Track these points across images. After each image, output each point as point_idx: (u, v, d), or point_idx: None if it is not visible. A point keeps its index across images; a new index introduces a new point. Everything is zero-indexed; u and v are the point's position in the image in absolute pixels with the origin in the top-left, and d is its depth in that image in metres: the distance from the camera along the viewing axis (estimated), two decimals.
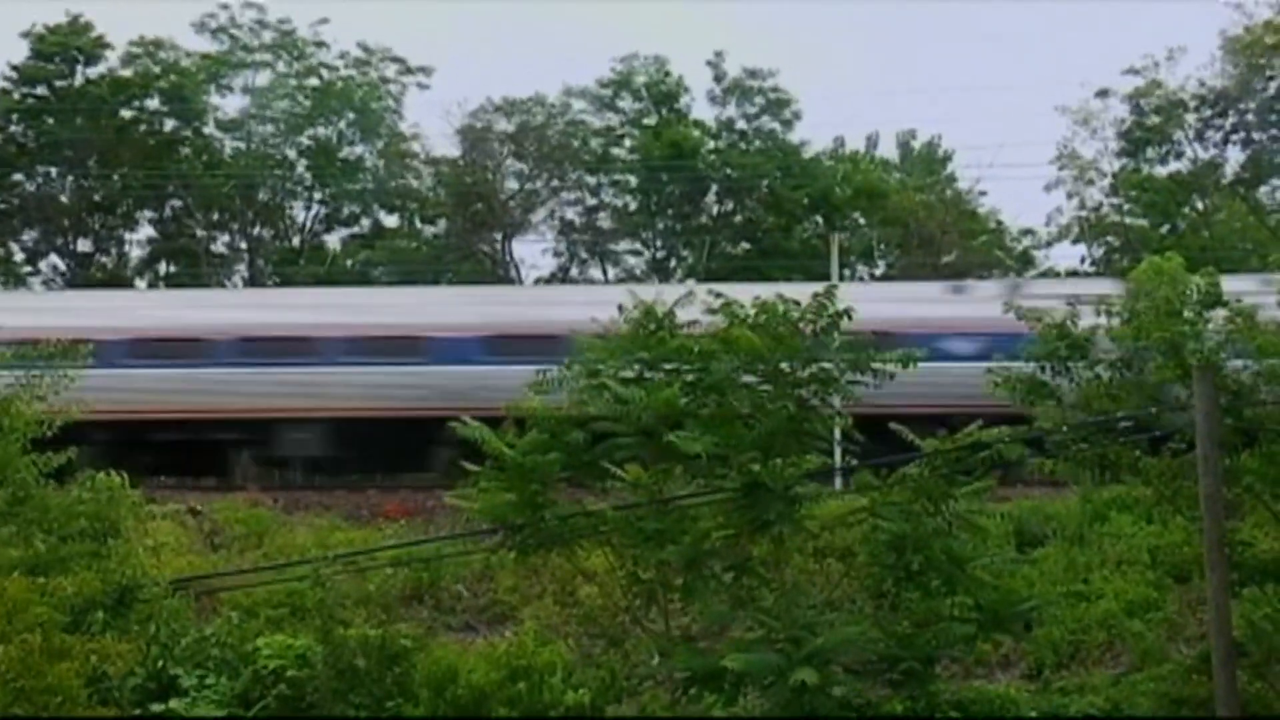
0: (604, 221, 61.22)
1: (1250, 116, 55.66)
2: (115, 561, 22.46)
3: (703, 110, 60.36)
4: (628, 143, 60.01)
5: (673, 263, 59.90)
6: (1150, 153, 57.50)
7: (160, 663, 22.00)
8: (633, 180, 59.57)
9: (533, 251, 62.23)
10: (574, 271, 60.63)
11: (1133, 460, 24.19)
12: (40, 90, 57.28)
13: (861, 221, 59.88)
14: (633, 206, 60.52)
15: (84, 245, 59.63)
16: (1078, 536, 28.50)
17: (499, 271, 59.57)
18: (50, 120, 56.95)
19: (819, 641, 21.15)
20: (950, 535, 22.20)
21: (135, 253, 60.79)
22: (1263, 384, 22.91)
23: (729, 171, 58.62)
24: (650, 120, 59.83)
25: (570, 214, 61.30)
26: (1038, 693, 23.80)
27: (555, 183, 60.83)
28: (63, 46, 57.00)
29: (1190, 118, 56.80)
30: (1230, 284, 25.13)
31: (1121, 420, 24.13)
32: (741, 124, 60.18)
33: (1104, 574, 27.18)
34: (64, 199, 58.92)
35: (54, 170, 58.52)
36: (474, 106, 59.87)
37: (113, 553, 22.52)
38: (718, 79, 59.94)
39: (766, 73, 59.63)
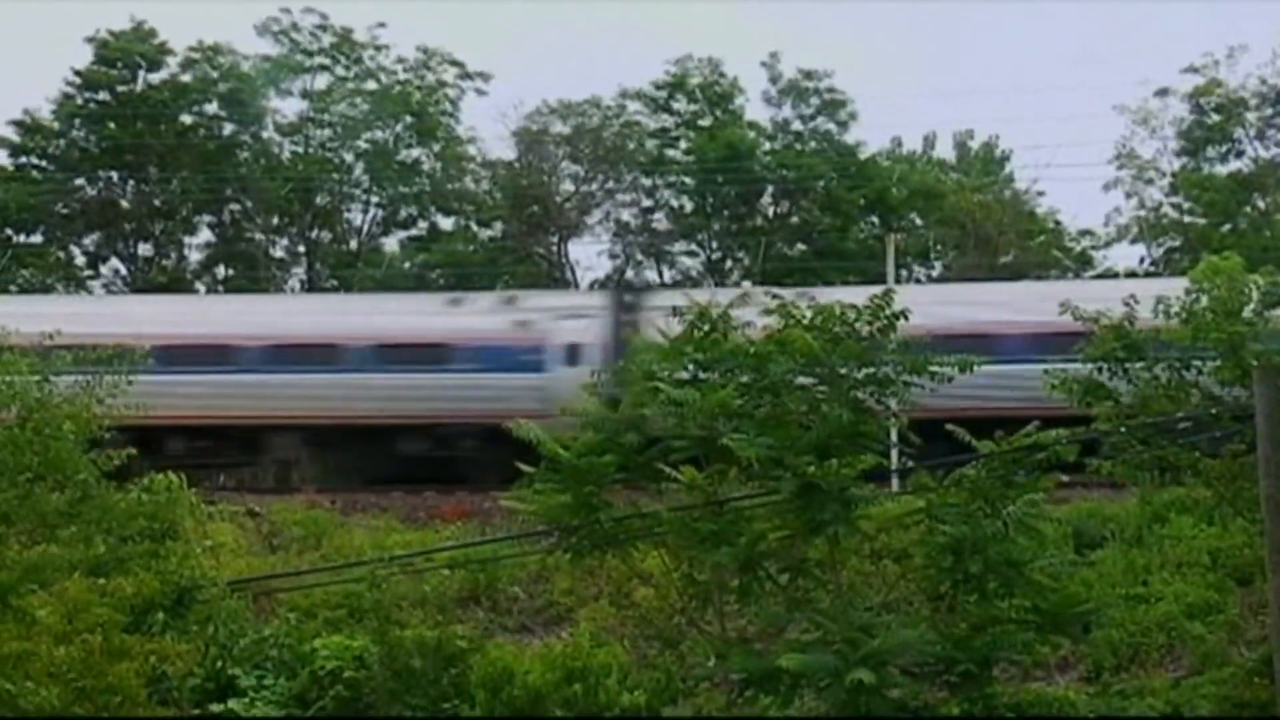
0: (659, 223, 61.18)
1: None
2: (174, 562, 22.63)
3: (758, 111, 60.33)
4: (683, 144, 59.91)
5: (728, 264, 59.82)
6: (1210, 152, 57.11)
7: (219, 663, 22.18)
8: (688, 182, 59.43)
9: (588, 254, 62.25)
10: (630, 274, 60.63)
11: (1193, 462, 24.13)
12: (103, 95, 57.57)
13: (918, 222, 59.65)
14: (688, 208, 60.44)
15: (144, 249, 59.84)
16: (1136, 538, 28.40)
17: (554, 274, 59.65)
18: (112, 125, 57.26)
19: (875, 643, 21.12)
20: (1008, 538, 22.14)
21: (194, 256, 61.13)
22: None
23: (784, 172, 58.47)
24: (705, 121, 59.71)
25: (626, 216, 61.33)
26: (1096, 695, 23.71)
27: (611, 185, 60.83)
28: (126, 52, 57.25)
29: (1251, 116, 56.44)
30: None
31: (1181, 421, 24.05)
32: (797, 125, 60.08)
33: (1163, 576, 27.06)
34: (125, 203, 59.22)
35: (115, 175, 58.79)
36: (530, 109, 59.92)
37: (172, 553, 22.68)
38: (773, 80, 59.87)
39: (822, 74, 59.52)
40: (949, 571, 22.12)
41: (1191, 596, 26.20)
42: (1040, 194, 62.15)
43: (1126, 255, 59.73)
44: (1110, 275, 56.74)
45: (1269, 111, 56.04)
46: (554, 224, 60.54)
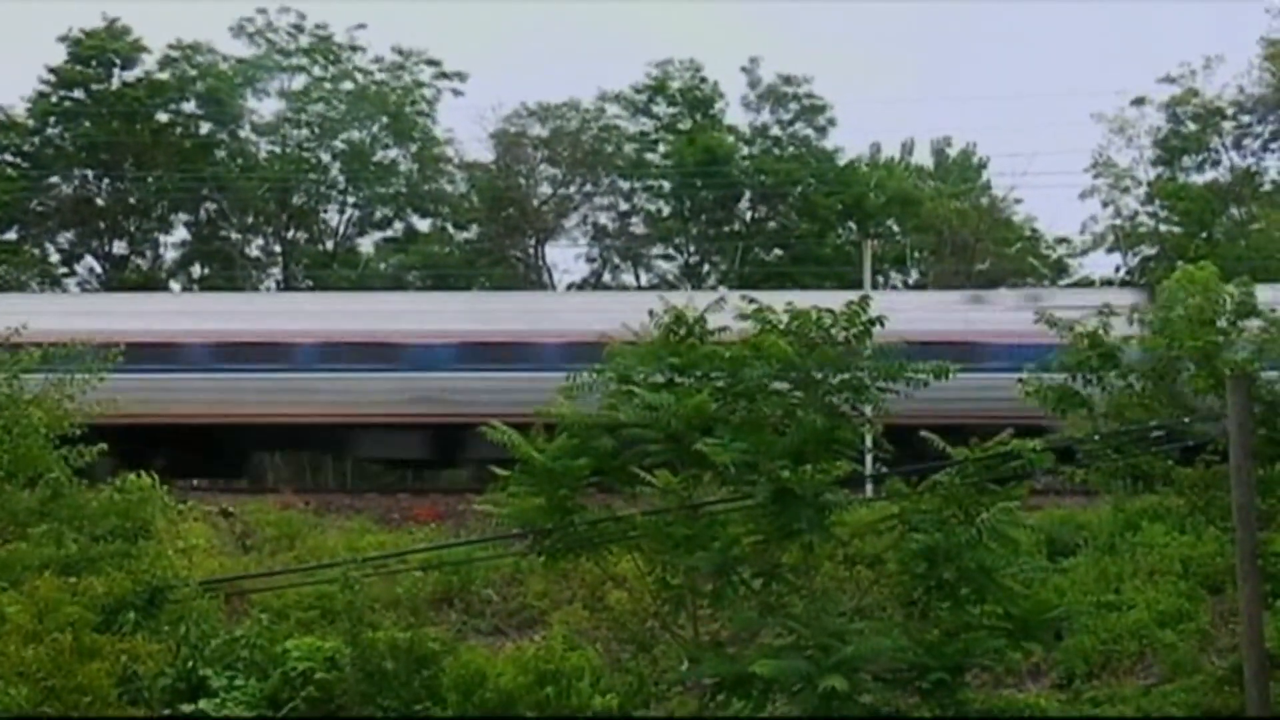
0: (637, 227, 61.26)
1: None
2: (146, 562, 22.58)
3: (737, 116, 60.50)
4: (661, 148, 60.00)
5: (705, 268, 59.86)
6: (1186, 161, 57.37)
7: (190, 663, 22.09)
8: (666, 186, 59.58)
9: (566, 256, 62.24)
10: (607, 277, 60.66)
11: (1165, 470, 24.18)
12: (77, 93, 57.49)
13: (895, 228, 59.80)
14: (666, 212, 60.53)
15: (119, 247, 59.80)
16: (1109, 546, 28.43)
17: (531, 277, 59.64)
18: (87, 123, 57.20)
19: (848, 649, 21.15)
20: (981, 544, 22.17)
21: (170, 255, 61.01)
22: None
23: (763, 177, 58.61)
24: (684, 125, 59.84)
25: (603, 219, 61.39)
26: (1067, 702, 23.78)
27: (588, 188, 60.90)
28: (100, 50, 57.19)
29: (1227, 125, 56.66)
30: (1266, 294, 25.12)
31: (1154, 430, 24.10)
32: (776, 130, 60.22)
33: (1135, 584, 27.09)
34: (100, 201, 59.15)
35: (90, 173, 58.73)
36: (508, 111, 60.06)
37: (144, 553, 22.62)
38: (752, 85, 60.03)
39: (801, 79, 59.73)
40: (922, 578, 22.16)
41: (1163, 604, 26.23)
42: (1018, 201, 62.39)
43: (1103, 264, 59.99)
44: (1086, 283, 56.80)
45: (1245, 120, 56.25)
46: (531, 227, 60.58)
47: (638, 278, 60.54)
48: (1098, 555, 28.19)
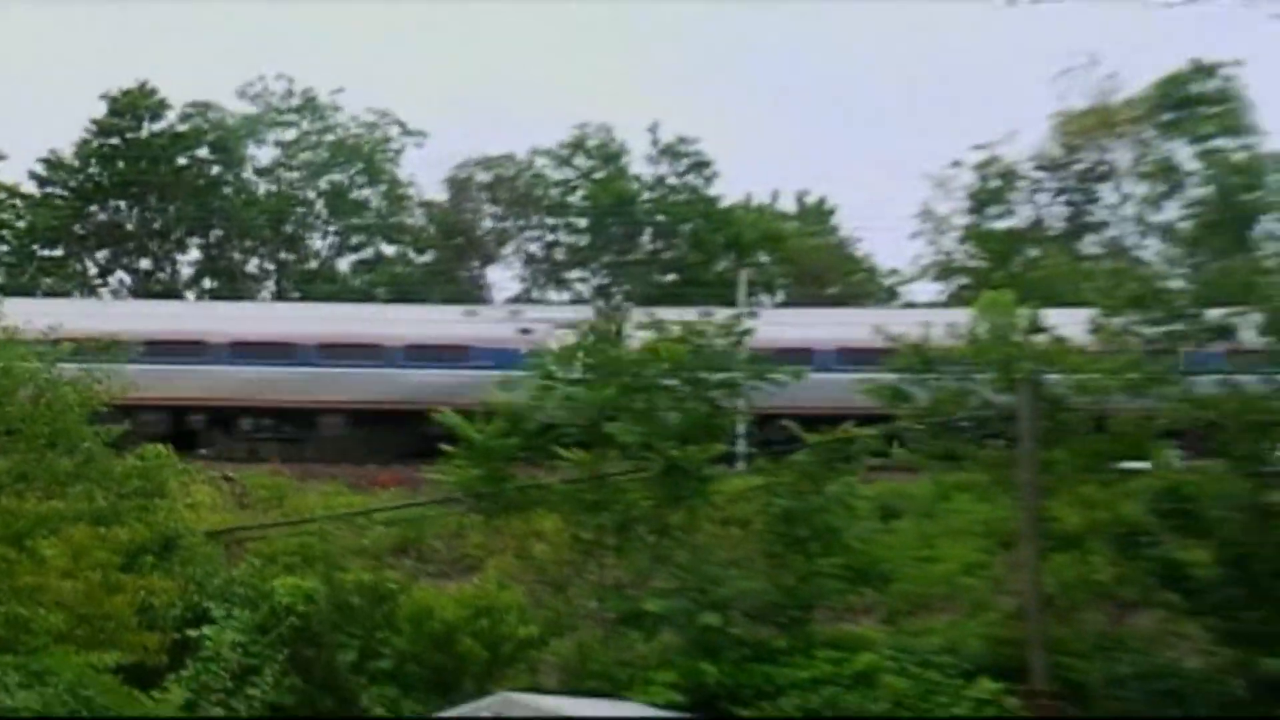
0: (560, 254, 61.16)
1: (1071, 182, 56.08)
2: (161, 515, 22.28)
3: (640, 168, 60.50)
4: (580, 192, 59.93)
5: (613, 289, 59.78)
6: (991, 210, 57.74)
7: (196, 597, 21.77)
8: (583, 222, 59.64)
9: (503, 277, 62.10)
10: (535, 294, 60.50)
11: (971, 452, 24.41)
12: (114, 140, 56.87)
13: (765, 259, 59.88)
14: (583, 243, 60.46)
15: (145, 264, 59.22)
16: (927, 512, 28.24)
17: (475, 294, 59.33)
18: (120, 164, 56.56)
19: (722, 591, 21.30)
20: (828, 510, 22.34)
21: (186, 271, 60.43)
22: (1072, 394, 23.18)
23: (660, 217, 58.73)
24: (599, 175, 59.82)
25: (533, 248, 61.25)
26: (891, 633, 23.79)
27: (522, 223, 60.80)
28: (132, 106, 56.59)
29: (1023, 183, 57.11)
30: (1052, 316, 25.43)
31: (962, 420, 24.35)
32: (671, 179, 60.21)
33: (946, 542, 26.76)
34: (129, 226, 58.48)
35: (122, 203, 58.11)
36: (458, 161, 60.01)
37: (159, 509, 22.32)
38: (654, 144, 59.99)
39: (692, 140, 59.83)
40: (781, 535, 22.34)
41: (967, 557, 26.03)
42: (860, 240, 62.78)
43: (926, 291, 60.27)
44: (912, 306, 57.12)
45: (1038, 178, 56.70)
46: (476, 253, 60.43)
47: (560, 295, 60.37)
48: (918, 519, 28.10)
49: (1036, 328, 24.82)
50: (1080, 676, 21.12)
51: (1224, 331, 22.82)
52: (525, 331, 36.44)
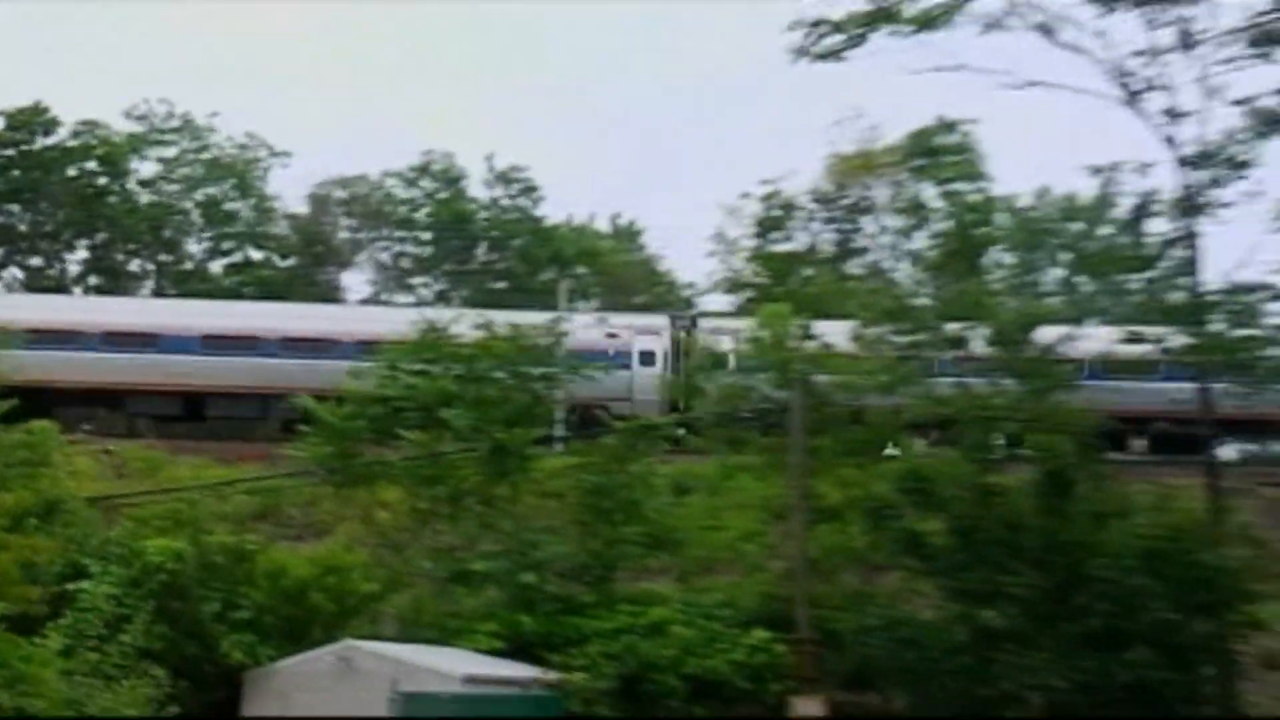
0: (406, 263, 60.56)
1: (840, 214, 57.28)
2: (45, 483, 21.54)
3: (477, 190, 60.21)
4: (425, 210, 59.45)
5: (452, 294, 59.31)
6: (773, 235, 58.65)
7: (75, 556, 21.01)
8: (427, 236, 59.22)
9: (357, 281, 61.17)
10: (384, 296, 59.78)
11: (752, 439, 24.84)
12: (9, 151, 54.73)
13: (582, 271, 60.02)
14: (426, 254, 59.96)
15: (36, 261, 57.03)
16: (714, 489, 28.39)
17: (331, 296, 58.36)
18: (16, 172, 54.52)
19: (539, 554, 21.37)
20: (630, 486, 22.57)
21: (73, 269, 58.32)
22: (835, 392, 23.76)
23: (494, 233, 58.63)
24: (442, 195, 59.44)
25: (383, 257, 60.61)
26: (682, 591, 24.02)
27: (374, 235, 60.13)
28: (28, 122, 54.58)
29: (801, 213, 58.10)
30: (822, 326, 25.97)
31: (745, 412, 24.80)
32: (504, 200, 60.04)
33: (730, 514, 27.16)
34: (23, 228, 56.37)
35: (17, 207, 55.93)
36: (319, 179, 59.20)
37: (44, 477, 21.56)
38: (490, 169, 59.84)
39: (523, 167, 59.85)
40: (590, 507, 22.50)
41: (747, 528, 26.42)
42: (663, 257, 63.37)
43: (719, 301, 60.95)
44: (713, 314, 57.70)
45: (813, 208, 57.69)
46: (333, 260, 59.60)
47: (405, 298, 59.72)
48: (707, 495, 28.19)
49: (808, 336, 25.36)
50: (837, 627, 21.62)
51: (958, 342, 23.52)
52: (611, 336, 35.60)
